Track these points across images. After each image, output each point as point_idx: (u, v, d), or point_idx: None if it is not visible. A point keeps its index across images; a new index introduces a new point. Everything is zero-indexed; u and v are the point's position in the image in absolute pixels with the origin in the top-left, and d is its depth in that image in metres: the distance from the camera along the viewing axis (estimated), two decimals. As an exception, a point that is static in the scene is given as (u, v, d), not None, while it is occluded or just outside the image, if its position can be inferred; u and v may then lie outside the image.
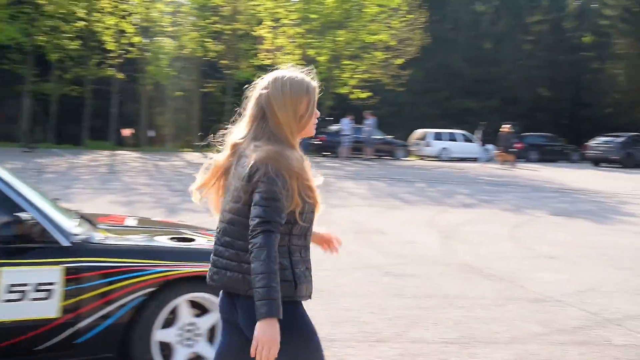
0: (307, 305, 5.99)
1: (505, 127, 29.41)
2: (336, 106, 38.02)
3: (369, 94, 35.03)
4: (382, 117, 39.96)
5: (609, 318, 6.11)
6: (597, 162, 32.77)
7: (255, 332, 2.29)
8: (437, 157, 32.89)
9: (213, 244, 2.76)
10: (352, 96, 35.36)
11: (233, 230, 2.62)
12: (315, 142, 30.08)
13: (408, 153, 33.18)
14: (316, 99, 2.71)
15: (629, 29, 51.36)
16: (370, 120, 28.84)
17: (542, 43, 52.23)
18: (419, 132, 34.49)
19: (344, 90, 35.80)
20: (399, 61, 34.84)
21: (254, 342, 2.29)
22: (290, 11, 33.36)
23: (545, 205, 15.08)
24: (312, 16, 32.53)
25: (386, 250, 8.98)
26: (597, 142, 33.18)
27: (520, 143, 34.11)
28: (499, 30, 49.90)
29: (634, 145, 32.12)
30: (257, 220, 2.38)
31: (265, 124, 2.60)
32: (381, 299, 6.50)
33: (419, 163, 30.45)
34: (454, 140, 33.88)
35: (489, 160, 30.86)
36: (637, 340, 5.52)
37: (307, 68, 2.82)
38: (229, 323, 2.75)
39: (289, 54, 34.25)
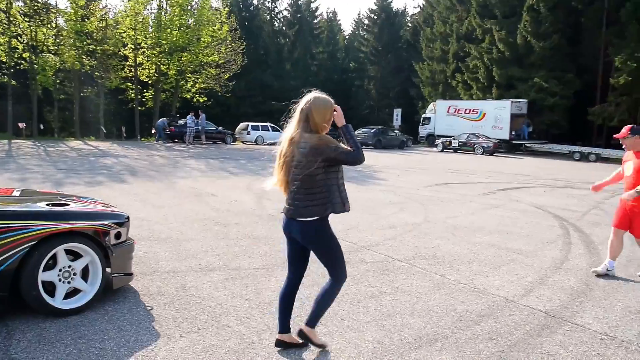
0: (157, 248, 5.75)
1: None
2: (182, 107, 36.98)
3: (205, 98, 34.70)
4: (216, 115, 39.53)
5: (363, 246, 6.45)
6: (358, 145, 34.29)
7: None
8: (255, 142, 32.88)
9: (289, 195, 3.34)
10: (194, 100, 34.74)
11: (306, 183, 3.20)
12: (167, 132, 29.30)
13: (234, 139, 32.84)
14: (333, 109, 3.27)
15: (375, 60, 54.27)
16: (202, 116, 28.68)
17: (323, 66, 53.76)
18: (242, 124, 34.20)
19: (187, 95, 35.21)
20: (226, 76, 35.02)
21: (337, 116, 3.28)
22: (146, 37, 31.99)
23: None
24: (163, 42, 31.34)
25: (217, 207, 8.83)
26: (359, 132, 34.55)
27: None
28: (295, 57, 50.54)
29: (382, 134, 33.94)
30: (352, 155, 3.16)
31: (307, 124, 3.21)
32: (212, 241, 6.39)
33: (242, 146, 30.23)
34: (267, 130, 33.88)
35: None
36: (380, 258, 5.87)
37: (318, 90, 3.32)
38: (289, 238, 3.47)
39: (146, 68, 33.14)
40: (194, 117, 28.09)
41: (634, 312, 4.47)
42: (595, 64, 33.45)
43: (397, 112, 42.89)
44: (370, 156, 25.53)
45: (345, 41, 61.29)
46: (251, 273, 5.13)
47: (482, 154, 30.12)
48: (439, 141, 33.94)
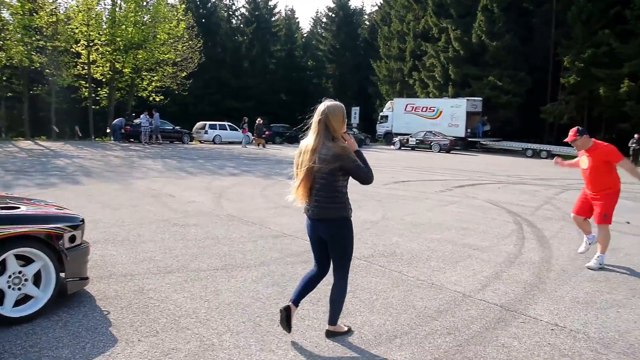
0: (113, 250, 5.63)
1: (259, 120, 29.90)
2: (138, 105, 36.22)
3: (162, 97, 34.11)
4: (173, 113, 38.97)
5: (322, 244, 6.48)
6: (317, 143, 34.35)
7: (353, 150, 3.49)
8: (212, 141, 32.56)
9: (313, 199, 3.53)
10: (150, 99, 34.07)
11: (326, 187, 3.46)
12: (122, 132, 28.71)
13: (192, 139, 32.43)
14: (345, 112, 3.54)
15: (333, 58, 54.53)
16: (156, 115, 28.07)
17: (281, 64, 53.60)
18: (200, 123, 33.83)
19: (144, 94, 34.51)
20: (184, 74, 34.52)
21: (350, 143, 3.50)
22: (100, 34, 31.09)
23: (285, 172, 15.52)
24: (118, 39, 30.60)
25: (175, 208, 8.69)
26: (317, 130, 34.79)
27: (269, 131, 34.92)
28: (253, 54, 50.23)
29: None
30: (364, 171, 3.44)
31: (328, 132, 3.44)
32: (170, 242, 6.29)
33: (200, 146, 29.89)
34: (224, 129, 33.64)
35: (248, 143, 31.12)
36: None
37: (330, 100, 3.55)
38: (315, 240, 3.68)
39: (100, 66, 32.24)
40: (147, 116, 27.59)
41: (582, 302, 4.65)
42: (546, 63, 34.55)
43: (355, 111, 43.20)
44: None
45: (303, 39, 61.27)
46: (210, 274, 5.09)
47: (438, 152, 30.67)
48: (396, 139, 34.35)
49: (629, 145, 26.60)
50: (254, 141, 30.64)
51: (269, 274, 5.14)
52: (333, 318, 3.74)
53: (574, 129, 5.94)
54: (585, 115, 31.93)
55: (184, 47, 34.24)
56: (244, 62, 49.78)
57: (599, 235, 5.91)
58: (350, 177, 3.52)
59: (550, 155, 29.09)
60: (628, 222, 8.69)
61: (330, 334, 3.75)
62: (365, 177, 3.44)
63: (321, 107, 3.49)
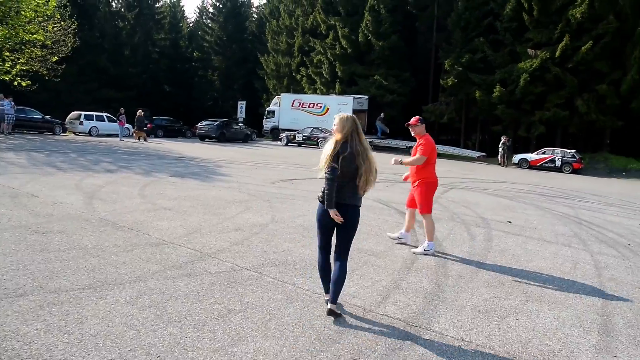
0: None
1: (140, 112, 28.10)
2: (0, 90, 32.43)
3: (29, 82, 30.78)
4: (43, 101, 35.61)
5: (207, 253, 5.82)
6: (202, 138, 33.01)
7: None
8: (88, 133, 30.14)
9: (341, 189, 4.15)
10: (15, 83, 30.56)
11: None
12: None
13: (65, 130, 29.73)
14: None
15: (220, 50, 53.13)
16: (8, 102, 24.57)
17: (165, 54, 51.23)
18: (74, 113, 31.15)
19: (6, 78, 30.81)
20: (54, 58, 31.29)
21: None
22: (-57, 3, 26.96)
23: (166, 169, 14.47)
24: (-31, 12, 26.86)
25: (36, 211, 7.50)
26: (203, 125, 33.41)
27: (151, 124, 33.06)
28: (135, 42, 47.33)
29: (225, 127, 33.16)
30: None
31: (359, 132, 4.24)
32: (26, 255, 5.27)
33: (74, 138, 27.46)
34: (102, 120, 31.28)
35: (128, 136, 29.15)
36: (227, 267, 5.30)
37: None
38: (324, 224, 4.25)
39: (-55, 42, 28.11)
40: (12, 102, 24.51)
41: (482, 311, 4.51)
42: (428, 65, 36.13)
43: (242, 105, 42.37)
44: (214, 150, 24.73)
45: (188, 29, 58.96)
46: (74, 295, 4.26)
47: (325, 148, 30.81)
48: (283, 135, 34.07)
49: (499, 145, 28.54)
50: (134, 134, 28.75)
51: (146, 292, 4.43)
52: (336, 297, 4.18)
53: (417, 117, 6.56)
54: (463, 116, 33.82)
55: (55, 28, 31.11)
56: (125, 49, 46.77)
57: (424, 224, 6.46)
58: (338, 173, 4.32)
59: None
60: (509, 222, 8.99)
61: (333, 313, 4.11)
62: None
63: (346, 115, 4.21)
